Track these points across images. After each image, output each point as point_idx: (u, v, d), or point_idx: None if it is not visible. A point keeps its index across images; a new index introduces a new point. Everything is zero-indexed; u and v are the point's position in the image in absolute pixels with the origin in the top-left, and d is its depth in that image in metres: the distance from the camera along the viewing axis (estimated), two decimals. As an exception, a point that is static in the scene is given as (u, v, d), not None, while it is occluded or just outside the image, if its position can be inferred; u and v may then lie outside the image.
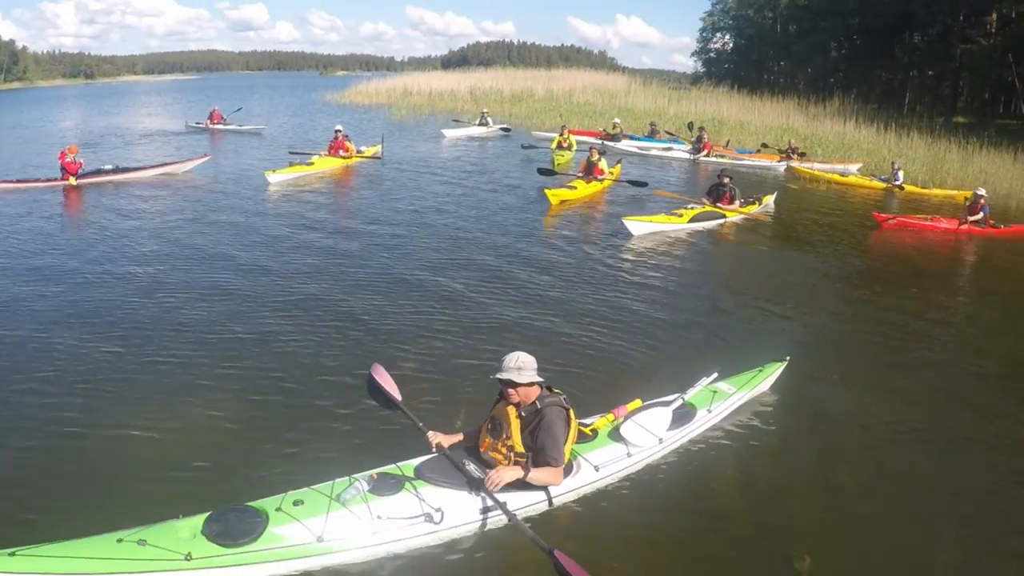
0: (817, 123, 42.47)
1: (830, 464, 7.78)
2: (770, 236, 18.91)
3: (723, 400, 8.22)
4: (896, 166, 27.23)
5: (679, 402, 7.86)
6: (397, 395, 7.05)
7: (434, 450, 6.36)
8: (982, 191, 20.52)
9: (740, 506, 6.96)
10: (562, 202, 20.70)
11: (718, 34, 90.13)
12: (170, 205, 19.05)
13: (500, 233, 17.11)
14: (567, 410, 6.23)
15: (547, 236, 17.47)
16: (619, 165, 24.57)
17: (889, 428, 8.62)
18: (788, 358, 9.11)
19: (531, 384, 6.10)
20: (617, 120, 37.65)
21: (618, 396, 7.94)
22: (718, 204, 19.57)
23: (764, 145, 34.31)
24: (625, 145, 33.45)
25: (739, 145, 35.84)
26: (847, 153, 34.52)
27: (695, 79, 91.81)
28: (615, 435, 7.18)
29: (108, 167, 22.27)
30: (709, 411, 7.98)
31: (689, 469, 7.41)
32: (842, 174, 29.70)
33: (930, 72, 59.99)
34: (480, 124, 39.96)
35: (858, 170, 30.92)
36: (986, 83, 51.58)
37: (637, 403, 7.67)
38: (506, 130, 40.13)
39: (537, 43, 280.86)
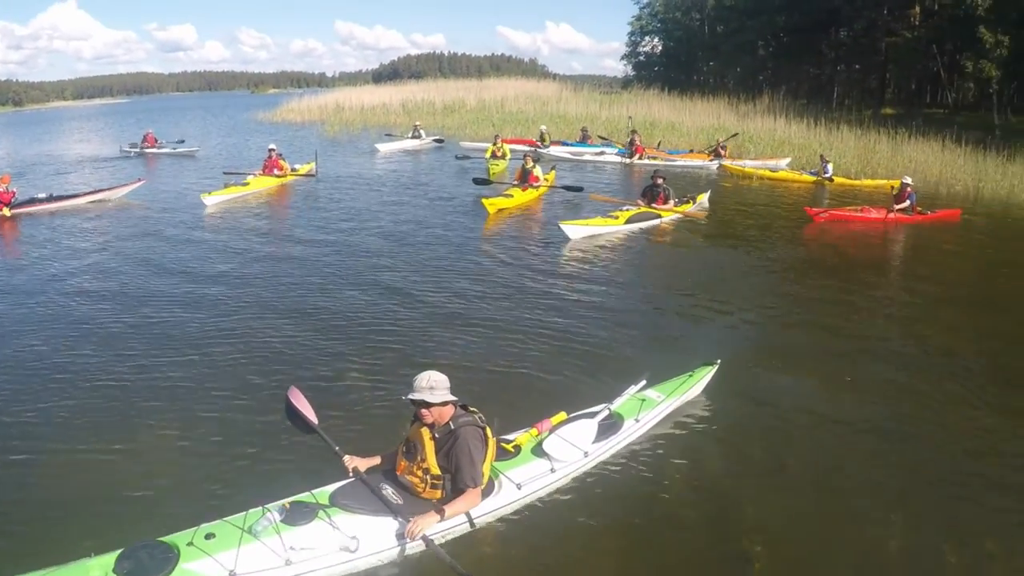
0: (748, 121, 43.10)
1: (767, 465, 7.75)
2: (705, 235, 19.10)
3: (651, 408, 8.08)
4: (825, 159, 27.98)
5: (605, 413, 7.73)
6: (314, 418, 7.06)
7: (351, 475, 6.27)
8: (908, 179, 21.22)
9: (672, 516, 6.85)
10: (499, 211, 20.78)
11: (647, 37, 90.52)
12: (107, 233, 18.75)
13: (437, 246, 17.12)
14: (483, 429, 6.15)
15: (483, 247, 17.46)
16: (553, 171, 25.09)
17: (830, 422, 8.63)
18: (719, 361, 9.04)
19: (444, 404, 6.01)
20: (543, 127, 37.95)
21: (543, 409, 7.82)
22: (653, 205, 19.93)
23: (692, 150, 34.86)
24: (558, 151, 33.61)
25: (671, 146, 36.17)
26: (778, 149, 35.13)
27: (626, 83, 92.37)
28: (538, 451, 7.05)
29: (42, 196, 21.92)
30: (637, 420, 7.85)
31: (617, 482, 7.27)
32: (772, 169, 30.27)
33: (857, 66, 61.00)
34: (413, 137, 40.00)
35: (787, 164, 31.57)
36: (912, 74, 52.47)
37: (562, 416, 7.57)
38: (439, 141, 40.22)
39: (468, 53, 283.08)
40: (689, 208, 20.82)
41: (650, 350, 10.74)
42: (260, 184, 24.78)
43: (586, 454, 7.16)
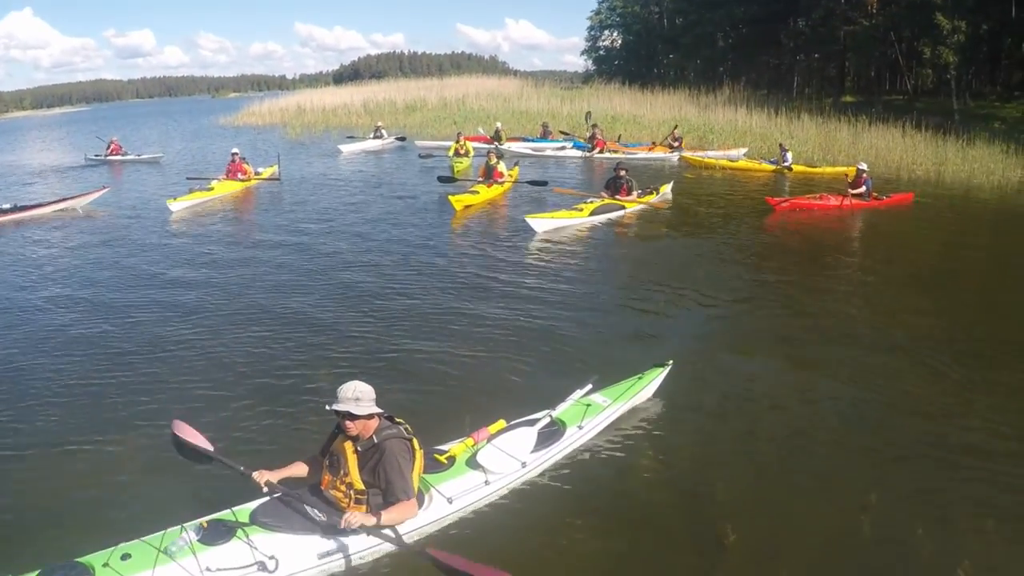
0: (709, 112, 43.57)
1: (722, 471, 7.47)
2: (666, 227, 19.35)
3: (596, 414, 7.84)
4: (784, 148, 28.41)
5: (546, 420, 7.52)
6: (208, 445, 6.47)
7: (265, 489, 5.96)
8: (863, 165, 21.86)
9: (614, 529, 6.64)
10: (466, 207, 21.02)
11: (606, 32, 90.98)
12: (73, 241, 18.68)
13: (401, 246, 17.08)
14: (409, 440, 5.95)
15: (448, 245, 17.57)
16: (517, 167, 25.33)
17: (793, 420, 8.56)
18: (671, 362, 8.85)
19: (370, 416, 5.79)
20: (499, 124, 38.06)
21: (482, 417, 7.61)
22: (616, 196, 20.25)
23: (653, 143, 34.99)
24: (519, 147, 33.67)
25: (632, 140, 36.44)
26: (740, 139, 35.60)
27: (586, 77, 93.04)
28: (472, 462, 6.82)
29: (6, 206, 21.79)
30: (580, 427, 7.61)
31: (556, 493, 7.07)
32: (731, 159, 30.81)
33: (816, 55, 61.43)
34: (375, 137, 39.95)
35: (744, 154, 32.09)
36: (871, 62, 53.04)
37: (500, 424, 7.37)
38: (401, 140, 40.31)
39: (428, 52, 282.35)
40: (652, 199, 21.13)
41: (603, 351, 10.54)
42: (225, 189, 24.76)
43: (524, 464, 6.95)
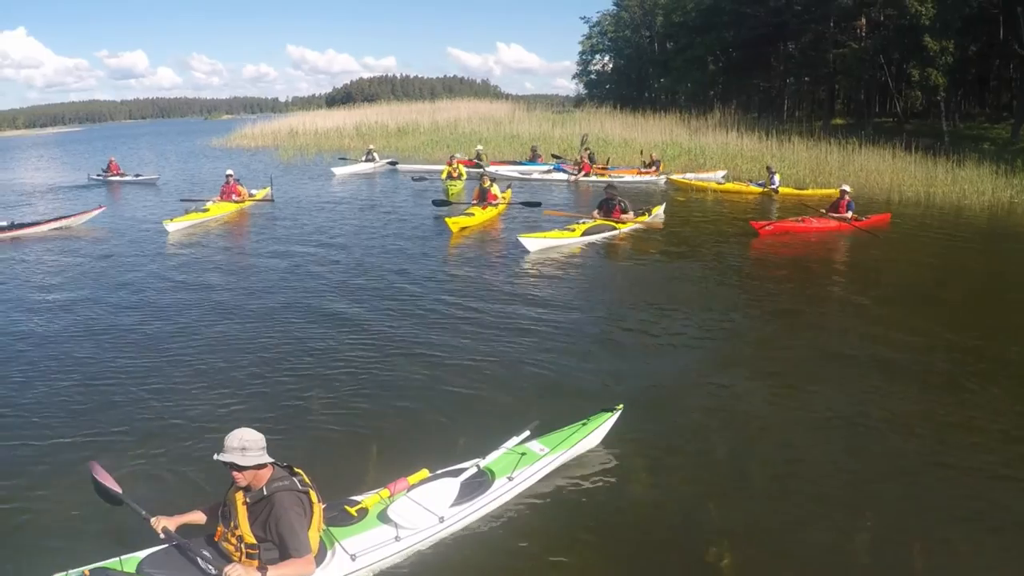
0: (700, 135, 44.03)
1: (670, 530, 6.96)
2: (653, 251, 19.28)
3: (530, 464, 7.34)
4: (772, 170, 28.51)
5: (473, 470, 7.08)
6: (117, 488, 6.27)
7: (162, 536, 5.69)
8: (847, 188, 22.34)
9: None
10: (462, 229, 21.24)
11: (597, 56, 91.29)
12: (69, 259, 18.81)
13: (396, 273, 16.90)
14: (304, 493, 5.55)
15: (441, 269, 17.44)
16: (509, 190, 25.65)
17: (768, 464, 8.07)
18: (621, 406, 8.32)
19: (260, 466, 5.47)
20: (479, 147, 38.63)
21: (405, 464, 7.15)
22: (609, 217, 20.50)
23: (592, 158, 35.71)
24: (507, 170, 33.93)
25: (623, 163, 36.78)
26: (730, 162, 35.92)
27: (578, 101, 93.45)
28: (384, 516, 6.37)
29: (3, 223, 22.01)
30: (510, 478, 7.11)
31: (476, 550, 6.57)
32: (711, 181, 31.40)
33: (806, 78, 61.65)
34: (367, 160, 40.17)
35: (723, 176, 32.55)
36: (860, 85, 53.10)
37: (423, 474, 6.91)
38: (393, 164, 40.41)
39: (420, 75, 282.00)
40: (645, 220, 21.41)
41: (556, 391, 9.92)
42: (220, 210, 24.90)
43: (441, 519, 6.47)
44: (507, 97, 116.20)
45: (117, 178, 36.75)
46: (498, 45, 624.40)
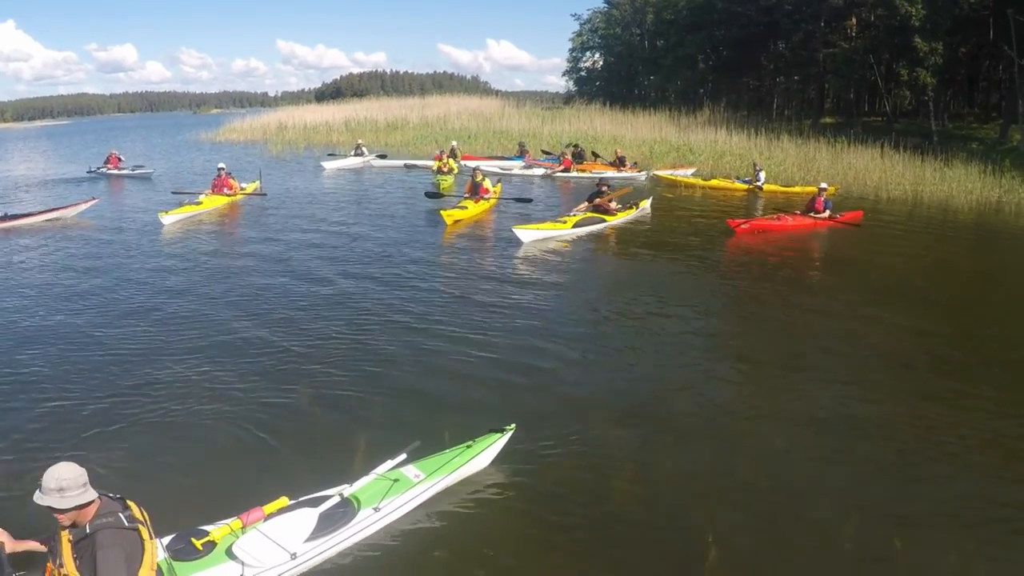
0: (689, 133, 44.28)
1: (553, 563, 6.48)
2: (634, 247, 19.47)
3: (402, 492, 6.78)
4: (758, 167, 28.52)
5: (336, 499, 6.50)
6: None
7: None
8: (824, 185, 22.79)
9: None
10: (456, 222, 21.58)
11: (588, 53, 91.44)
12: (62, 251, 18.79)
13: (390, 264, 16.93)
14: (133, 530, 5.00)
15: (433, 261, 17.75)
16: (499, 184, 26.14)
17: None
18: (513, 426, 7.79)
19: (84, 504, 4.92)
20: (454, 143, 39.02)
21: (265, 490, 6.56)
22: (598, 210, 21.01)
23: (595, 153, 36.45)
24: (488, 166, 33.94)
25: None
26: (719, 159, 36.36)
27: (568, 98, 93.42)
28: (231, 551, 5.84)
29: None
30: (377, 509, 6.53)
31: None
32: (685, 176, 32.01)
33: (796, 77, 61.87)
34: (356, 155, 40.26)
35: (692, 173, 32.83)
36: (850, 84, 53.25)
37: (281, 502, 6.32)
38: (382, 156, 40.53)
39: (410, 71, 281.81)
40: (632, 214, 22.11)
41: (464, 405, 9.25)
42: (212, 203, 24.97)
43: (293, 556, 5.93)
44: (497, 93, 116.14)
45: (115, 171, 36.53)
46: (488, 42, 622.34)
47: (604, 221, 20.86)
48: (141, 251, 18.55)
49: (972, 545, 6.61)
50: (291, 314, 12.98)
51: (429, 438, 7.50)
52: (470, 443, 7.49)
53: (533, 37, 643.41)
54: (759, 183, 28.34)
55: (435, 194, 25.18)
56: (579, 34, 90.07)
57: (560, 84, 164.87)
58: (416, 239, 19.56)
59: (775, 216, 21.64)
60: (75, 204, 24.09)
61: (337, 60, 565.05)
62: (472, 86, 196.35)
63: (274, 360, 10.68)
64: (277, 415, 8.85)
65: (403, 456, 7.03)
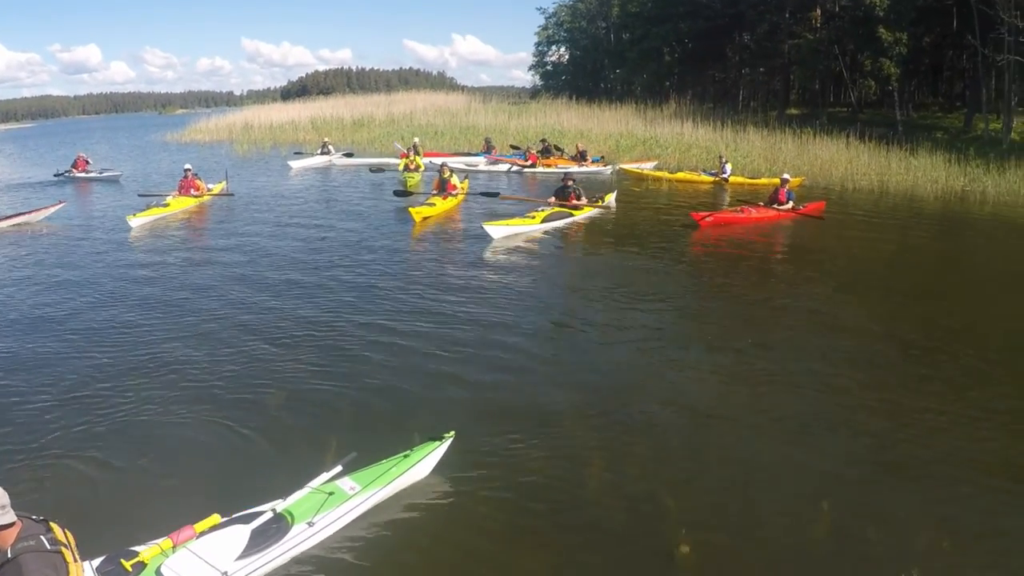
0: (656, 126, 44.34)
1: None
2: (594, 242, 19.57)
3: (338, 505, 6.59)
4: (723, 159, 28.92)
5: (268, 515, 6.28)
6: None
7: None
8: (787, 176, 23.03)
9: None
10: (425, 219, 21.64)
11: (553, 47, 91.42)
12: (30, 256, 18.47)
13: (358, 264, 16.78)
14: (57, 552, 4.68)
15: (399, 261, 18.03)
16: (467, 180, 26.22)
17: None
18: (452, 433, 7.55)
19: (2, 528, 4.56)
20: (416, 140, 38.89)
21: (199, 505, 6.35)
22: (565, 204, 21.27)
23: (558, 147, 36.92)
24: (454, 162, 33.98)
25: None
26: (686, 152, 36.58)
27: (534, 93, 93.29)
28: (160, 572, 5.66)
29: None
30: (311, 523, 6.33)
31: None
32: (649, 169, 32.43)
33: (761, 69, 62.14)
34: (323, 153, 40.09)
35: (654, 166, 33.29)
36: (815, 75, 53.48)
37: (213, 520, 6.12)
38: (348, 155, 40.44)
39: (376, 68, 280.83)
40: (599, 207, 22.39)
41: (407, 413, 8.99)
42: (180, 205, 24.73)
43: (225, 574, 5.73)
44: (463, 89, 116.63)
45: (83, 175, 36.00)
46: (454, 37, 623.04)
47: (571, 215, 21.03)
48: (108, 255, 18.27)
49: (947, 535, 6.60)
50: (239, 326, 12.42)
51: (369, 448, 7.27)
52: (407, 452, 7.30)
53: (498, 32, 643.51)
54: (725, 175, 28.61)
55: (403, 192, 25.14)
56: (545, 28, 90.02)
57: (526, 79, 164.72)
58: (384, 238, 19.44)
59: (739, 208, 21.77)
60: (41, 208, 23.80)
61: (302, 58, 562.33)
62: (438, 82, 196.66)
63: (207, 375, 10.24)
64: (210, 431, 8.55)
65: (339, 468, 6.84)
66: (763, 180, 28.27)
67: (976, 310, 13.48)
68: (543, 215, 20.26)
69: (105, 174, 36.14)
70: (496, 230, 18.76)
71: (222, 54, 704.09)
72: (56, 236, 20.88)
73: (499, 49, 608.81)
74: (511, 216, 20.32)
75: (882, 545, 6.44)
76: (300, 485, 6.60)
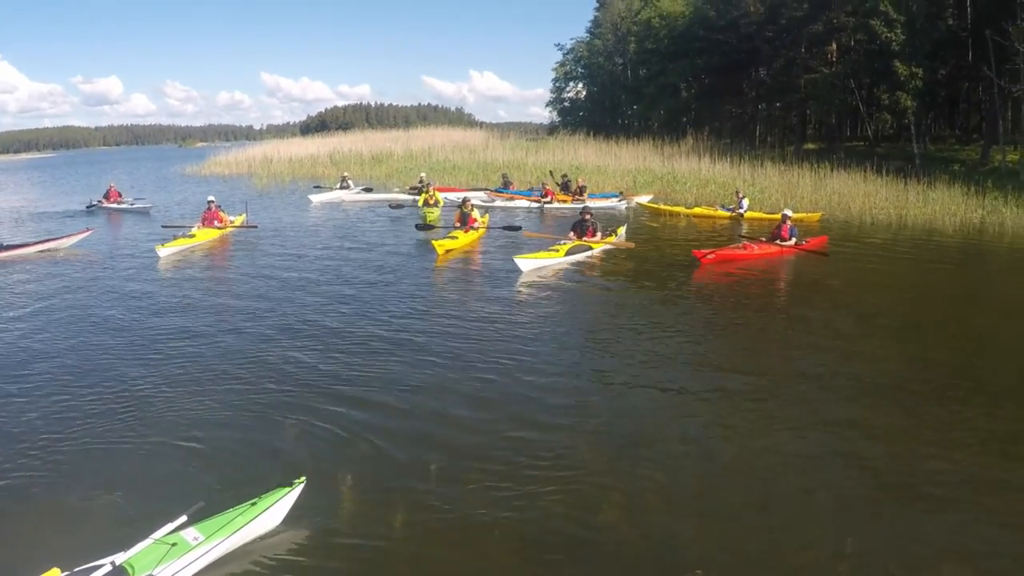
0: (673, 162, 44.50)
1: None
2: (603, 279, 19.10)
3: (178, 556, 6.22)
4: (740, 194, 28.86)
5: (107, 568, 5.89)
6: None
7: None
8: (789, 212, 22.54)
9: None
10: (447, 251, 21.87)
11: (571, 83, 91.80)
12: (56, 282, 18.66)
13: (383, 297, 16.81)
14: None
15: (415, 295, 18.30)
16: (487, 215, 26.69)
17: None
18: (303, 479, 7.29)
19: None
20: (423, 175, 39.40)
21: (44, 559, 5.90)
22: (583, 238, 21.64)
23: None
24: (473, 197, 34.21)
25: (596, 190, 36.77)
26: (704, 187, 36.71)
27: (551, 129, 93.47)
28: None
29: None
30: None
31: None
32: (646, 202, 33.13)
33: (778, 104, 62.10)
34: (342, 187, 40.39)
35: (649, 200, 33.72)
36: (831, 109, 53.53)
37: (53, 574, 5.69)
38: (368, 190, 40.77)
39: (394, 103, 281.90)
40: (614, 240, 22.62)
41: (275, 455, 8.74)
42: (204, 236, 24.96)
43: None
44: (481, 125, 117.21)
45: (114, 205, 36.10)
46: (471, 73, 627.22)
47: (591, 248, 21.40)
48: (136, 284, 18.38)
49: (968, 568, 6.56)
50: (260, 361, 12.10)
51: (221, 497, 7.08)
52: (255, 500, 6.96)
53: (516, 68, 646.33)
54: (742, 210, 28.66)
55: (426, 226, 25.68)
56: (562, 64, 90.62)
57: (544, 115, 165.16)
58: (408, 271, 19.58)
59: (741, 245, 21.53)
60: (69, 235, 24.15)
61: (321, 93, 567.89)
62: (456, 118, 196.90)
63: (60, 415, 9.77)
64: (51, 479, 8.12)
65: (183, 518, 6.47)
66: (778, 215, 28.00)
67: (997, 346, 13.38)
68: (565, 248, 20.60)
69: (137, 204, 36.52)
70: (525, 263, 19.16)
71: (242, 88, 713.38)
72: (82, 263, 21.14)
73: (516, 85, 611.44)
74: (533, 250, 20.58)
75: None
76: (143, 536, 6.26)
